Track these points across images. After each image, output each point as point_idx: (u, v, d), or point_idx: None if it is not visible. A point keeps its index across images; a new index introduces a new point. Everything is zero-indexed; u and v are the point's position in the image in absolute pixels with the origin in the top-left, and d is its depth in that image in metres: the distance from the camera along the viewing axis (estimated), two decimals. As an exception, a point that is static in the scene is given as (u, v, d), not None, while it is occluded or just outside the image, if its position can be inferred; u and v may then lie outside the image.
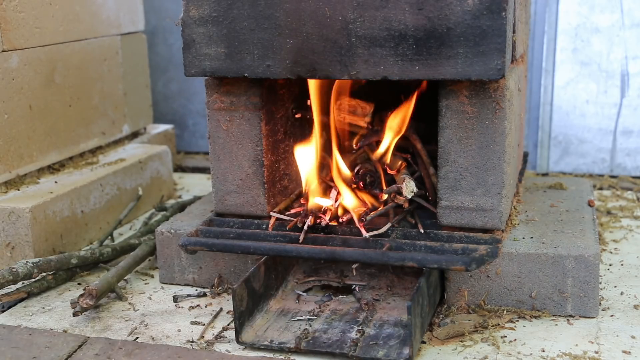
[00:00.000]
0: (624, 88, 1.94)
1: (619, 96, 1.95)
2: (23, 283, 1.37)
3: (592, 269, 1.17)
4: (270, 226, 1.29)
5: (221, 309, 1.27)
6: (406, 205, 1.28)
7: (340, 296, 1.28)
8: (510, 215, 1.31)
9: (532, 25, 1.96)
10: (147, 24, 2.11)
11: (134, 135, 2.04)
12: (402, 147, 1.39)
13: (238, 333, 1.13)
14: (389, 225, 1.24)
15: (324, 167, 1.41)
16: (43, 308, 1.31)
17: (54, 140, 1.68)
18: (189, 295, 1.33)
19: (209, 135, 1.33)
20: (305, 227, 1.24)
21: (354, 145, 1.41)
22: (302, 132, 1.47)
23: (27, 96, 1.59)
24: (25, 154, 1.60)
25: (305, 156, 1.35)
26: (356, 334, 1.14)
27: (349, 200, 1.29)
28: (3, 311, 1.31)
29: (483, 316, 1.19)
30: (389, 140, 1.33)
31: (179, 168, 2.23)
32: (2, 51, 1.52)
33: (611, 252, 1.47)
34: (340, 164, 1.40)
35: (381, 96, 1.39)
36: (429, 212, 1.30)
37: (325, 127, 1.40)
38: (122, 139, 1.98)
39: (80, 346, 1.15)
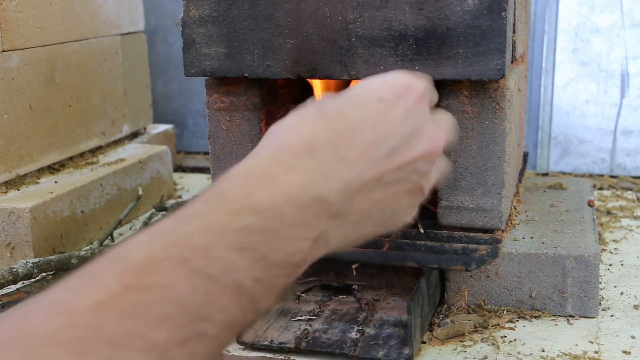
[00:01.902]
0: (624, 88, 1.94)
1: (619, 96, 1.95)
2: (23, 283, 1.36)
3: (592, 269, 1.17)
4: (270, 226, 1.29)
5: (221, 309, 1.27)
6: (406, 205, 1.28)
7: (340, 296, 1.28)
8: (510, 215, 1.31)
9: (532, 25, 1.96)
10: (147, 24, 2.11)
11: (134, 135, 2.04)
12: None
13: (238, 333, 1.12)
14: (389, 225, 1.24)
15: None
16: (43, 308, 1.31)
17: (54, 140, 1.68)
18: (189, 295, 1.33)
19: (209, 135, 1.33)
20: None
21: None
22: (302, 132, 1.47)
23: (27, 96, 1.59)
24: (25, 154, 1.60)
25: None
26: (356, 334, 1.14)
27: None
28: (3, 311, 1.31)
29: (483, 316, 1.19)
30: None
31: (179, 168, 2.23)
32: (2, 51, 1.52)
33: (611, 252, 1.47)
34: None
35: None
36: (429, 211, 1.30)
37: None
38: (122, 139, 1.98)
39: (80, 346, 1.15)
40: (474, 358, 1.08)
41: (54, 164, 1.70)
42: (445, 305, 1.24)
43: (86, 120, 1.80)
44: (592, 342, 1.11)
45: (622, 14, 1.90)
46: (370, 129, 0.62)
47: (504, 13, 1.08)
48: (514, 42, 1.23)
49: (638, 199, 1.81)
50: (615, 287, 1.31)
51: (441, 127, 0.68)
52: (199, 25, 1.23)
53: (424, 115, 0.66)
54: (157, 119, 2.30)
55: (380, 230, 0.70)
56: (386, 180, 0.67)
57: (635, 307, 1.23)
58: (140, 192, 1.78)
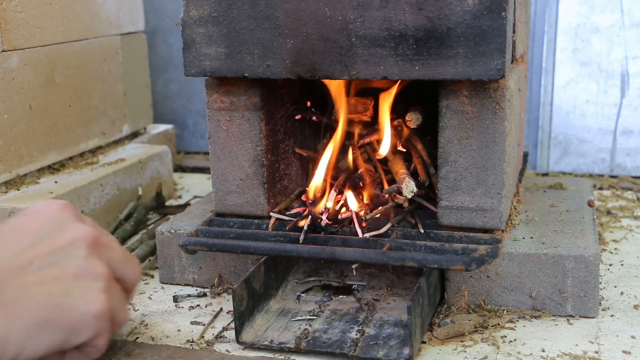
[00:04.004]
0: (624, 88, 1.94)
1: (619, 96, 1.95)
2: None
3: (592, 269, 1.17)
4: (270, 226, 1.29)
5: (221, 309, 1.27)
6: (406, 205, 1.28)
7: (340, 296, 1.28)
8: (510, 215, 1.31)
9: (532, 25, 1.96)
10: (147, 24, 2.11)
11: (134, 135, 2.04)
12: (403, 147, 1.39)
13: (238, 333, 1.13)
14: (389, 225, 1.24)
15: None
16: (43, 308, 1.31)
17: (54, 140, 1.68)
18: (189, 295, 1.33)
19: (209, 135, 1.33)
20: (305, 227, 1.24)
21: (356, 145, 1.41)
22: (302, 132, 1.47)
23: (27, 96, 1.59)
24: (25, 154, 1.60)
25: (323, 158, 1.35)
26: (356, 334, 1.14)
27: (349, 200, 1.29)
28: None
29: (483, 316, 1.19)
30: (388, 138, 1.33)
31: (179, 168, 2.23)
32: (2, 51, 1.52)
33: (611, 252, 1.47)
34: (347, 163, 1.40)
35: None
36: (429, 212, 1.30)
37: (328, 128, 1.40)
38: (122, 139, 1.98)
39: (80, 346, 1.15)
40: (474, 358, 1.08)
41: (54, 164, 1.70)
42: (445, 305, 1.24)
43: (86, 120, 1.80)
44: (592, 342, 1.11)
45: (622, 14, 1.90)
46: (12, 231, 0.87)
47: (504, 13, 1.08)
48: (514, 42, 1.23)
49: (638, 199, 1.81)
50: (615, 287, 1.31)
51: (88, 224, 0.94)
52: (199, 25, 1.23)
53: (67, 218, 0.93)
54: (157, 119, 2.30)
55: (60, 316, 0.85)
56: (38, 265, 0.84)
57: (635, 307, 1.23)
58: (140, 192, 1.78)
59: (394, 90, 1.33)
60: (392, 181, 1.32)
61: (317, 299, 1.27)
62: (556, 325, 1.17)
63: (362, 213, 1.25)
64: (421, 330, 1.11)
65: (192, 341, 1.16)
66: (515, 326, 1.17)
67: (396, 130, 1.37)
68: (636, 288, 1.30)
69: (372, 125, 1.41)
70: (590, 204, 1.43)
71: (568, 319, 1.19)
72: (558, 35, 1.95)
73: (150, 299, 1.34)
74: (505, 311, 1.20)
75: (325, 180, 1.35)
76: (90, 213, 1.63)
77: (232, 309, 1.17)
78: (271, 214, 1.30)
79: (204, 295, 1.34)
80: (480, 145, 1.18)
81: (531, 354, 1.09)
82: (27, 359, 0.83)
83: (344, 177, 1.35)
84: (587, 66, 1.95)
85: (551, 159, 2.03)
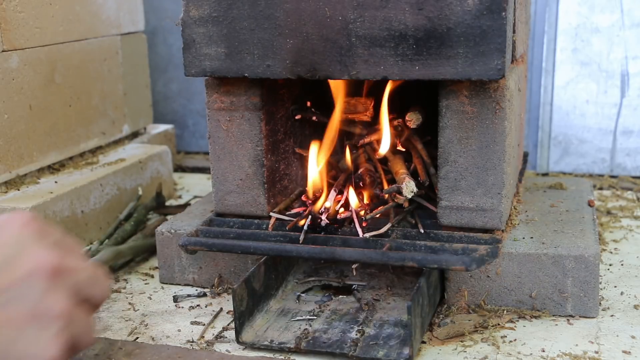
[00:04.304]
0: (624, 88, 1.94)
1: (619, 96, 1.95)
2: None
3: (592, 269, 1.17)
4: (270, 226, 1.29)
5: (221, 309, 1.27)
6: (406, 205, 1.28)
7: (340, 296, 1.28)
8: (510, 215, 1.31)
9: (532, 25, 1.96)
10: (147, 24, 2.11)
11: (134, 135, 2.04)
12: (403, 146, 1.39)
13: (238, 333, 1.13)
14: (389, 225, 1.24)
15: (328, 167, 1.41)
16: (43, 308, 1.31)
17: (54, 140, 1.68)
18: (189, 295, 1.33)
19: (209, 135, 1.33)
20: (305, 227, 1.24)
21: (355, 145, 1.41)
22: (302, 132, 1.47)
23: (27, 96, 1.59)
24: (25, 154, 1.60)
25: (314, 157, 1.35)
26: (356, 334, 1.14)
27: (349, 199, 1.29)
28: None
29: (483, 316, 1.19)
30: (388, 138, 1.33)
31: (179, 168, 2.23)
32: (2, 51, 1.52)
33: (611, 252, 1.47)
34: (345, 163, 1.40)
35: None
36: (429, 212, 1.30)
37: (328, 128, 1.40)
38: (122, 139, 1.98)
39: (80, 346, 1.15)
40: (474, 358, 1.08)
41: (54, 164, 1.70)
42: (445, 305, 1.24)
43: (86, 120, 1.80)
44: (592, 342, 1.11)
45: (622, 14, 1.90)
46: None
47: (504, 13, 1.08)
48: (514, 42, 1.23)
49: (638, 199, 1.81)
50: (615, 287, 1.31)
51: (52, 248, 0.74)
52: (199, 25, 1.23)
53: (28, 240, 0.74)
54: (157, 119, 2.30)
55: None
56: None
57: (635, 307, 1.23)
58: (140, 192, 1.78)
59: (387, 89, 1.33)
60: (392, 181, 1.32)
61: (317, 299, 1.27)
62: (556, 325, 1.17)
63: (362, 213, 1.25)
64: (421, 330, 1.11)
65: (192, 341, 1.16)
66: (515, 326, 1.17)
67: (396, 130, 1.37)
68: (636, 288, 1.30)
69: (372, 125, 1.41)
70: (590, 204, 1.43)
71: (568, 319, 1.19)
72: (558, 35, 1.95)
73: (150, 299, 1.34)
74: (505, 311, 1.20)
75: (324, 179, 1.35)
76: (90, 213, 1.63)
77: (232, 309, 1.17)
78: (271, 214, 1.30)
79: (204, 295, 1.34)
80: (480, 145, 1.18)
81: (531, 354, 1.09)
82: None
83: (343, 177, 1.35)
84: (587, 66, 1.95)
85: (551, 159, 2.03)
